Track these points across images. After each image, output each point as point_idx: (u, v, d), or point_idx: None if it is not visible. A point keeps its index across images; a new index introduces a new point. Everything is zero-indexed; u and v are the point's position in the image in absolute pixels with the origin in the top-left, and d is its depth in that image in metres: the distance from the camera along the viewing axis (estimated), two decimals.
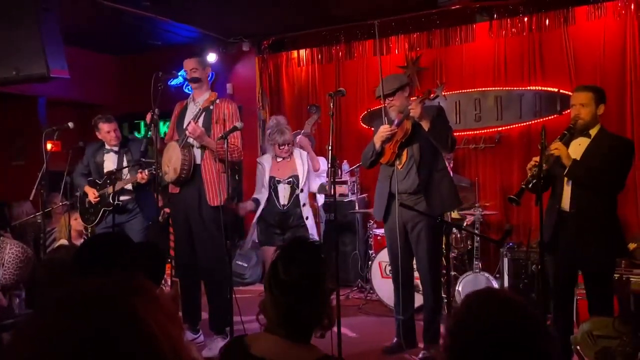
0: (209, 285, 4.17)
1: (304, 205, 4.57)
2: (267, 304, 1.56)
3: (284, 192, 4.58)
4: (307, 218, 4.56)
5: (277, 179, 4.61)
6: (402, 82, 3.85)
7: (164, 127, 6.71)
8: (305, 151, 4.75)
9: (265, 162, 4.73)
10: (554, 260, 3.30)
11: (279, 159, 4.66)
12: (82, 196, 4.66)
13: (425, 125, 3.57)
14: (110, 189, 4.34)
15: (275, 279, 1.55)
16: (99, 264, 1.64)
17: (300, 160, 4.65)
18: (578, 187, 3.19)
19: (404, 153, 3.73)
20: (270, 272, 1.58)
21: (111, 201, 4.35)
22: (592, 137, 3.23)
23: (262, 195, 4.68)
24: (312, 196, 4.93)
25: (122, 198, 4.44)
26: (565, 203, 3.23)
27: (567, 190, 3.22)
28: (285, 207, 4.56)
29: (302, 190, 4.59)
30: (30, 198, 4.25)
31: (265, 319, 1.57)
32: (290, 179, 4.58)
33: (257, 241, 4.97)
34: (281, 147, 4.59)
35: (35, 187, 4.19)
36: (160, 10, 5.67)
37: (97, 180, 4.59)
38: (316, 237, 4.60)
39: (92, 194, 4.52)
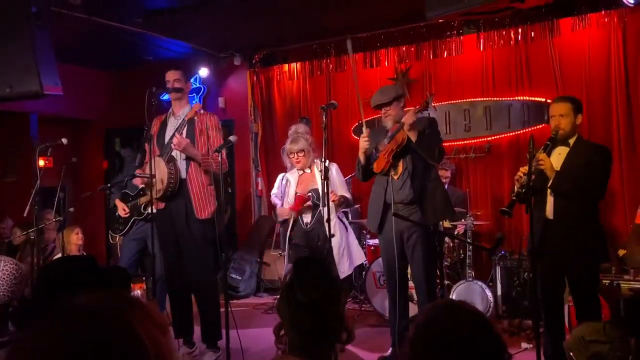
0: (199, 299, 4.17)
1: (327, 221, 3.96)
2: (286, 326, 1.55)
3: (306, 209, 4.26)
4: (332, 236, 3.94)
5: (298, 194, 4.28)
6: (398, 93, 3.93)
7: None
8: (335, 164, 4.38)
9: (291, 177, 4.42)
10: (541, 267, 3.36)
11: (300, 172, 4.36)
12: (112, 208, 4.88)
13: (413, 136, 3.63)
14: (142, 200, 4.48)
15: (294, 300, 1.54)
16: (64, 287, 1.63)
17: (319, 173, 4.19)
18: (560, 197, 3.26)
19: (400, 164, 3.79)
20: (286, 295, 1.57)
21: (143, 211, 4.50)
22: (570, 146, 3.32)
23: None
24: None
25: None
26: (549, 212, 3.31)
27: (550, 199, 3.30)
28: (309, 226, 4.21)
29: (324, 205, 4.08)
30: (24, 214, 4.25)
31: (280, 342, 1.57)
32: (310, 194, 4.23)
33: (289, 264, 4.43)
34: (291, 156, 4.33)
35: (29, 203, 4.20)
36: (152, 27, 5.73)
37: (129, 192, 4.76)
38: (340, 261, 4.08)
39: (121, 209, 4.71)
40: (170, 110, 4.25)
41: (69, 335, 0.77)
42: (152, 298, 4.27)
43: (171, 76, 4.16)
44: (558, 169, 3.26)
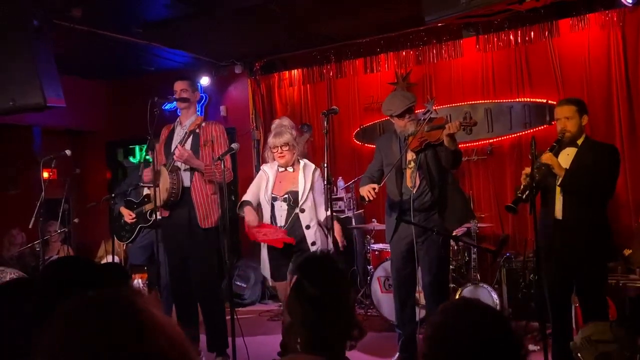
0: (203, 306, 4.20)
1: (307, 227, 3.85)
2: (297, 325, 1.55)
3: (280, 211, 3.92)
4: (313, 243, 3.84)
5: (274, 195, 3.95)
6: (412, 95, 4.03)
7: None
8: (318, 169, 4.00)
9: (270, 172, 4.03)
10: (548, 267, 3.36)
11: (281, 169, 3.98)
12: (117, 216, 4.90)
13: (449, 143, 3.60)
14: (147, 207, 4.52)
15: (303, 296, 1.55)
16: (62, 286, 1.64)
17: (303, 174, 3.93)
18: (570, 196, 3.26)
19: (416, 176, 3.78)
20: (296, 292, 1.58)
21: (149, 217, 4.55)
22: (579, 147, 3.34)
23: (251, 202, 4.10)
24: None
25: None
26: (558, 212, 3.31)
27: (559, 199, 3.31)
28: (284, 228, 3.90)
29: (302, 210, 3.87)
30: (30, 226, 4.28)
31: (288, 342, 1.57)
32: (286, 196, 3.90)
33: (268, 276, 4.13)
34: (274, 150, 3.94)
35: (34, 215, 4.22)
36: (152, 37, 5.76)
37: (133, 200, 4.81)
38: None
39: (127, 215, 4.76)
40: (178, 119, 4.32)
41: (78, 340, 0.77)
42: (155, 289, 4.29)
43: (178, 86, 4.24)
44: (566, 168, 3.27)
